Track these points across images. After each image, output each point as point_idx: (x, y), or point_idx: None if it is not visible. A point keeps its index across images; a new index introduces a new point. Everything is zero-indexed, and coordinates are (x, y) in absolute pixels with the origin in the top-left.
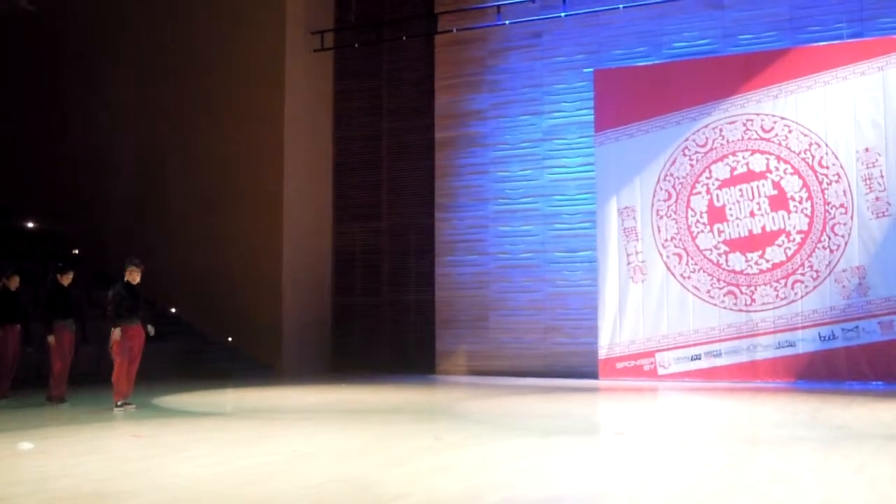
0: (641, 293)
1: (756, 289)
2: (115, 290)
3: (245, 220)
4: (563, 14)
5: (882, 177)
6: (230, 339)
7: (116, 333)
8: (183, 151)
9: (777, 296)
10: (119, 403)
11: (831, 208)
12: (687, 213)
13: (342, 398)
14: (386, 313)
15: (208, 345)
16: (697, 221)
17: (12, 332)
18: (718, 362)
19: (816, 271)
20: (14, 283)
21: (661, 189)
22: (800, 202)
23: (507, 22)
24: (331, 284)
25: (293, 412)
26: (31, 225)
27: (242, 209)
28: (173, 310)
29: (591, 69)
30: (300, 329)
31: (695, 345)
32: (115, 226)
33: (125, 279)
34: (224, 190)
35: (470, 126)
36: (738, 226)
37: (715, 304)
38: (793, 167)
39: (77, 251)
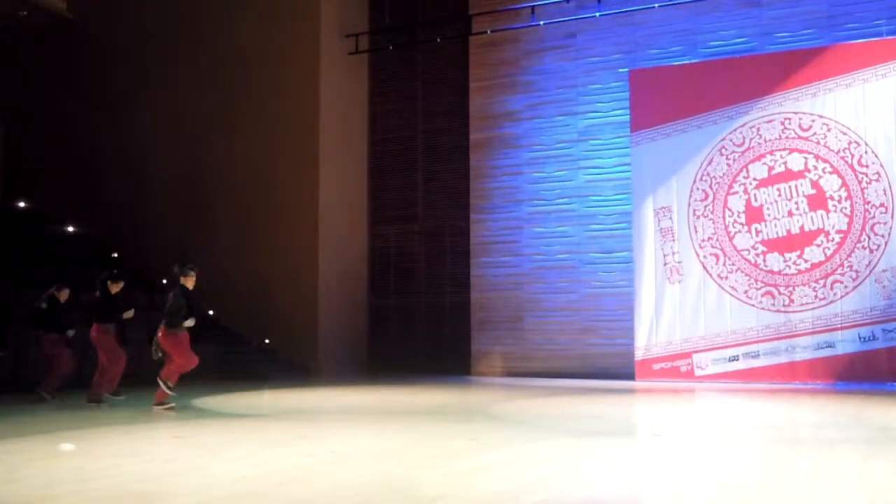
0: (678, 294)
1: (794, 289)
2: (176, 296)
3: (281, 222)
4: (597, 14)
5: None
6: (267, 340)
7: (184, 330)
8: (220, 154)
9: (816, 296)
10: (165, 402)
11: (871, 207)
12: (724, 212)
13: (378, 399)
14: (421, 314)
15: (245, 346)
16: (735, 221)
17: (61, 340)
18: (756, 363)
19: (856, 271)
20: (63, 295)
21: (698, 189)
22: (839, 201)
23: (541, 22)
24: (366, 286)
25: (330, 413)
26: (70, 229)
27: (278, 211)
28: (210, 312)
29: (627, 69)
30: (336, 331)
31: (732, 346)
32: (154, 230)
33: (182, 284)
34: (260, 192)
35: (505, 127)
36: (775, 226)
37: (753, 305)
38: (832, 166)
39: (116, 254)
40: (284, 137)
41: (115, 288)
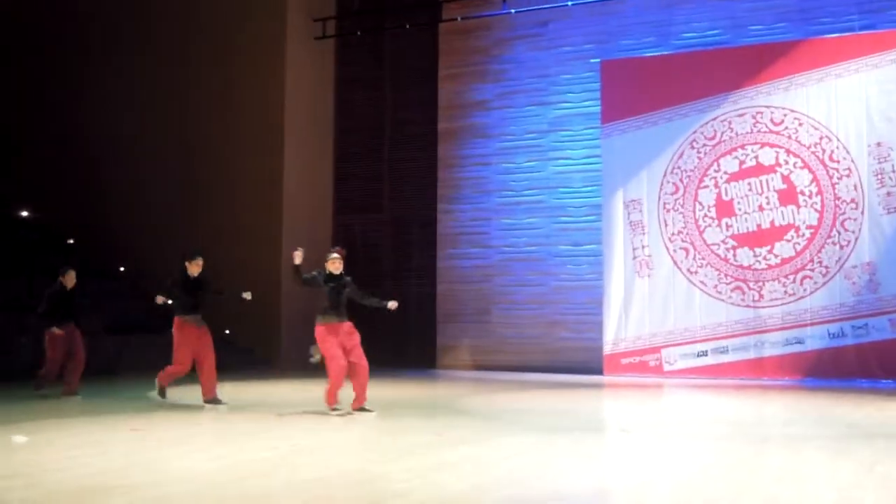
0: (647, 288)
1: (764, 284)
2: (322, 284)
3: (244, 209)
4: (569, 3)
5: (894, 171)
6: (227, 331)
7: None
8: (182, 139)
9: (785, 292)
10: (336, 408)
11: (842, 203)
12: (694, 206)
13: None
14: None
15: None
16: (705, 215)
17: (75, 330)
18: (725, 359)
19: (826, 267)
20: (70, 279)
21: (669, 182)
22: (809, 197)
23: (512, 10)
24: None
25: (292, 406)
26: (24, 214)
27: (241, 198)
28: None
29: (599, 60)
30: (299, 322)
31: (701, 341)
32: (112, 216)
33: (328, 270)
34: (223, 179)
35: (474, 116)
36: (746, 220)
37: (722, 300)
38: (803, 161)
39: (72, 241)
40: (249, 122)
41: (195, 269)
